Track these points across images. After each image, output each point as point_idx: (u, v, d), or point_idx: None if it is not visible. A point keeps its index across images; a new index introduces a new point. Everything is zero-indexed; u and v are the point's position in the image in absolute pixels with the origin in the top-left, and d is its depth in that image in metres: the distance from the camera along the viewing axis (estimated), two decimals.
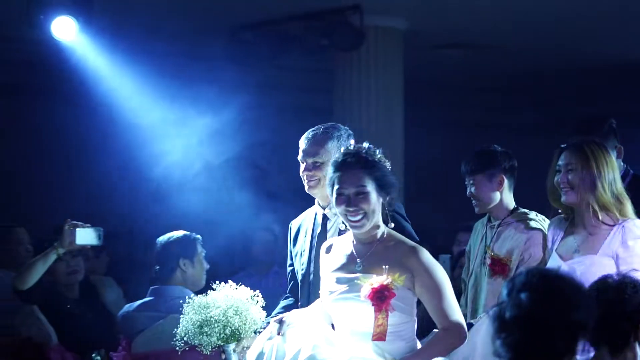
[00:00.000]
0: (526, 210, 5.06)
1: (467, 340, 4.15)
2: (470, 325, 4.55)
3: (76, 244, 5.49)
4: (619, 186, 4.47)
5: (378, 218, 4.05)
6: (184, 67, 9.86)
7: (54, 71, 7.87)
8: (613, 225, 4.43)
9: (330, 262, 4.17)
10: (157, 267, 5.47)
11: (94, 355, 5.62)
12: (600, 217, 4.43)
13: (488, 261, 4.98)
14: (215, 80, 9.57)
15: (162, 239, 5.50)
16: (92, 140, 7.84)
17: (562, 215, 4.63)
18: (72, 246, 5.50)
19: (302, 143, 4.69)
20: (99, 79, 7.94)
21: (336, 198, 4.02)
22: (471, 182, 5.07)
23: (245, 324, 4.16)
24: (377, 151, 4.06)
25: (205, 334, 4.15)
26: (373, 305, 3.95)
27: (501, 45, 9.99)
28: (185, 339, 4.20)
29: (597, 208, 4.42)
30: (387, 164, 4.06)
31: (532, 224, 4.93)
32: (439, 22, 9.29)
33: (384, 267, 3.96)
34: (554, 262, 4.52)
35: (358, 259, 4.07)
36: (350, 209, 3.99)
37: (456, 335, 3.98)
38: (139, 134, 7.27)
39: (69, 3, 7.03)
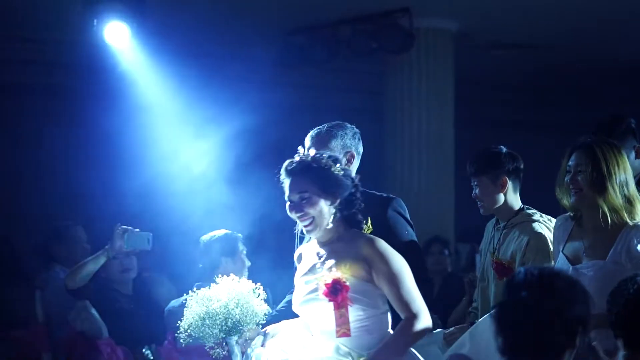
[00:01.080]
0: (531, 212, 4.97)
1: (471, 340, 4.20)
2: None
3: (125, 248, 5.71)
4: (632, 188, 4.31)
5: (335, 219, 4.06)
6: (233, 69, 10.06)
7: (104, 74, 8.08)
8: (622, 228, 4.25)
9: (301, 268, 4.21)
10: (201, 265, 5.67)
11: (144, 349, 5.82)
12: (609, 220, 4.26)
13: (493, 265, 4.91)
14: (261, 81, 9.77)
15: (205, 237, 5.68)
16: (142, 140, 8.02)
17: (568, 214, 4.48)
18: (121, 250, 5.72)
19: (307, 141, 4.70)
20: (150, 81, 8.15)
21: (287, 206, 4.09)
22: (475, 183, 5.00)
23: (246, 316, 4.19)
24: (325, 156, 4.06)
25: (207, 326, 4.20)
26: (330, 301, 3.97)
27: (550, 45, 10.00)
28: (189, 331, 4.24)
29: (606, 211, 4.26)
30: (336, 168, 4.06)
31: (536, 225, 4.82)
32: (489, 23, 9.35)
33: (333, 261, 4.00)
34: (561, 264, 4.39)
35: (319, 260, 4.10)
36: (298, 215, 4.05)
37: (419, 323, 3.97)
38: (187, 132, 7.44)
39: (121, 8, 7.22)
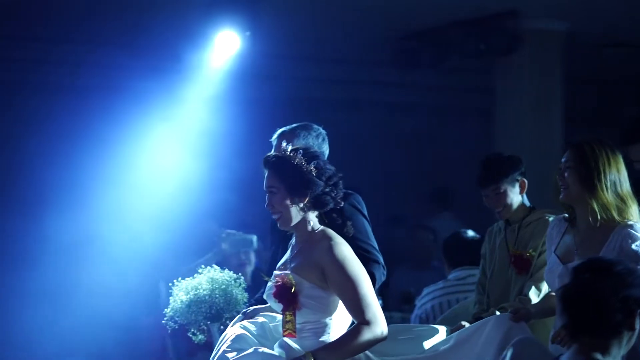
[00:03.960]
0: (543, 209, 5.09)
1: (471, 334, 4.23)
2: (480, 319, 4.58)
3: (229, 249, 6.15)
4: (625, 187, 4.30)
5: (306, 217, 4.10)
6: (346, 72, 10.44)
7: (209, 77, 8.53)
8: (613, 228, 4.23)
9: (283, 258, 4.28)
10: None
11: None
12: (599, 218, 4.24)
13: (512, 259, 4.99)
14: (374, 82, 10.09)
15: None
16: (241, 135, 8.39)
17: (563, 215, 4.49)
18: (226, 252, 6.16)
19: (273, 140, 4.89)
20: (258, 80, 8.55)
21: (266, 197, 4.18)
22: (493, 190, 5.09)
23: (229, 304, 4.40)
24: (299, 153, 4.10)
25: (193, 313, 4.42)
26: (278, 302, 4.04)
27: None
28: (175, 318, 4.47)
29: (596, 208, 4.23)
30: (309, 167, 4.07)
31: (551, 219, 4.82)
32: (599, 23, 9.35)
33: (297, 261, 4.08)
34: (552, 264, 4.41)
35: (290, 257, 4.18)
36: (268, 208, 4.14)
37: (370, 331, 3.95)
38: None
39: (237, 17, 7.62)
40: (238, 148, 8.14)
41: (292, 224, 4.10)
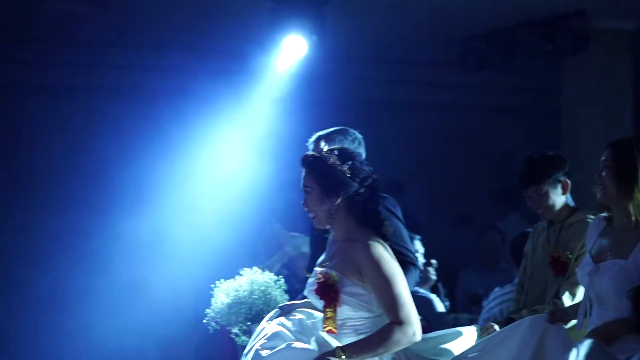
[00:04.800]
0: (586, 211, 4.95)
1: (506, 337, 4.15)
2: (511, 320, 4.56)
3: (292, 251, 6.26)
4: None
5: (340, 217, 4.14)
6: (413, 73, 10.48)
7: (276, 80, 8.67)
8: None
9: (322, 256, 4.31)
10: None
11: None
12: (633, 218, 4.10)
13: (550, 260, 4.89)
14: (441, 84, 10.10)
15: None
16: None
17: (603, 215, 4.32)
18: (289, 254, 6.29)
19: (309, 144, 4.98)
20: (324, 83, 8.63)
21: None
22: (535, 192, 4.96)
23: (268, 306, 4.43)
24: (333, 154, 4.16)
25: (233, 314, 4.47)
26: (320, 299, 4.07)
27: None
28: (217, 319, 4.53)
29: (631, 210, 4.09)
30: (342, 167, 4.10)
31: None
32: None
33: (336, 260, 4.11)
34: (585, 263, 4.29)
35: (329, 255, 4.22)
36: (304, 206, 4.21)
37: (402, 331, 3.97)
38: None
39: (303, 22, 7.75)
40: (304, 149, 8.24)
41: (327, 223, 4.17)
